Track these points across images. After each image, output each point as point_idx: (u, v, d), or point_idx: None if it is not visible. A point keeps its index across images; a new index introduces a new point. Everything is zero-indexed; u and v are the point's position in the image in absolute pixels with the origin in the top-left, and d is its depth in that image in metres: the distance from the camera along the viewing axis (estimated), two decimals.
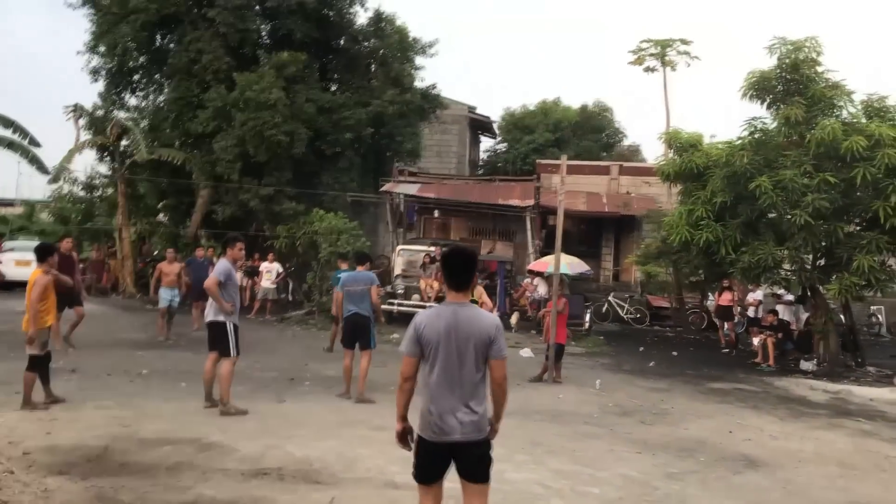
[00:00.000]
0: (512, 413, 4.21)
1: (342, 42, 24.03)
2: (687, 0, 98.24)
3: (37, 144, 22.93)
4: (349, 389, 10.17)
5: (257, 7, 22.69)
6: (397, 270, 20.79)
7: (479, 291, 11.75)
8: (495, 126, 38.74)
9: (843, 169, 14.05)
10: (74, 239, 22.64)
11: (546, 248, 23.89)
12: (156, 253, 23.50)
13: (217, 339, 8.93)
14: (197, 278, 15.26)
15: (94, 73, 22.88)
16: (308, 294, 20.81)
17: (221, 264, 9.12)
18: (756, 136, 15.34)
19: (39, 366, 8.71)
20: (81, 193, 26.18)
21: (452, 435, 4.16)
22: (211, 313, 8.97)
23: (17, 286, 22.26)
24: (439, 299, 19.19)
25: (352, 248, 19.38)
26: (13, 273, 22.86)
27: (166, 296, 14.91)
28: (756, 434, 9.55)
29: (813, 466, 8.15)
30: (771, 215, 14.75)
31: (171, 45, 22.91)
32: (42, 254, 8.98)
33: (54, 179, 23.62)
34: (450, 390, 4.19)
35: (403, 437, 4.41)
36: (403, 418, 4.38)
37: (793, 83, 14.92)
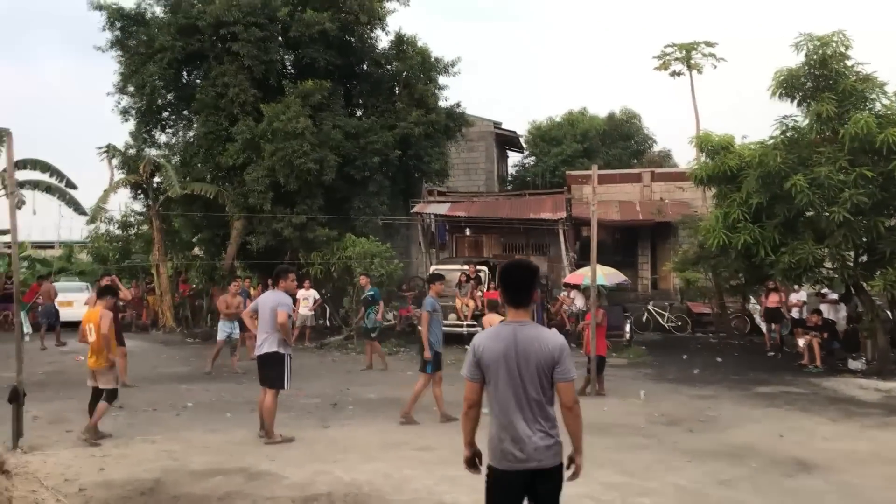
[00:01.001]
0: (582, 418, 4.05)
1: (365, 67, 24.22)
2: (709, 3, 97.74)
3: (73, 187, 23.45)
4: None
5: (280, 38, 22.96)
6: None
7: (488, 321, 11.28)
8: (522, 140, 38.72)
9: (879, 162, 13.78)
10: (113, 277, 23.06)
11: (581, 260, 23.76)
12: (193, 286, 23.79)
13: (274, 370, 8.81)
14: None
15: (125, 112, 23.30)
16: (345, 319, 20.90)
17: (282, 297, 8.90)
18: (788, 134, 15.11)
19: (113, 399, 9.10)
20: (118, 232, 26.63)
21: (528, 463, 3.89)
22: (266, 345, 8.80)
23: (62, 326, 22.70)
24: (475, 318, 19.16)
25: (386, 272, 19.48)
26: None
27: (226, 328, 15.00)
28: (807, 437, 9.37)
29: (868, 467, 7.96)
30: (808, 214, 14.49)
31: (198, 81, 23.26)
32: (103, 293, 9.62)
33: (91, 220, 24.08)
34: (520, 415, 3.92)
35: (472, 461, 4.19)
36: (471, 444, 4.14)
37: (822, 79, 14.68)
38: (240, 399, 11.60)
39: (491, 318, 10.56)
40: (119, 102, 23.24)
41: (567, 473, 4.10)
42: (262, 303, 9.06)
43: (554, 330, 4.20)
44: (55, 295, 20.74)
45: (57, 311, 20.49)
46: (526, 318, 4.09)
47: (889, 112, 14.28)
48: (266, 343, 8.83)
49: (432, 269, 21.68)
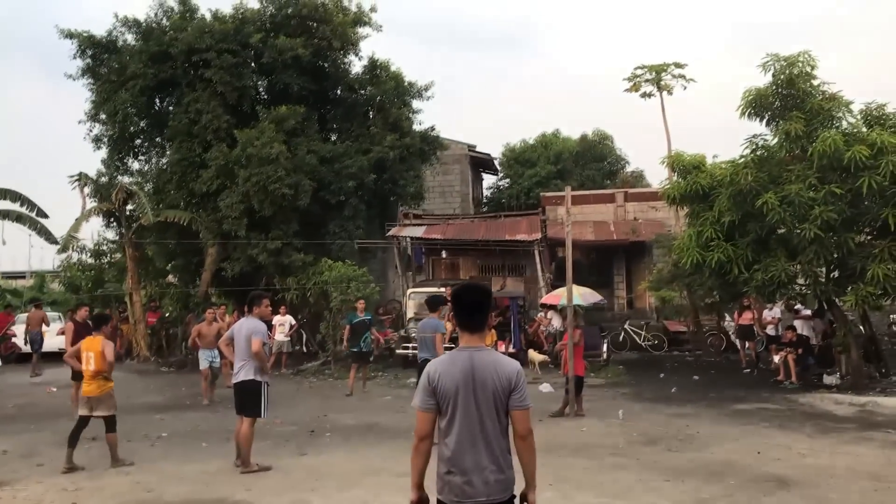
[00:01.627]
0: (536, 449, 3.88)
1: (339, 92, 24.28)
2: (678, 26, 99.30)
3: (44, 216, 23.13)
4: None
5: (253, 64, 22.98)
6: (409, 314, 20.71)
7: (491, 336, 11.38)
8: (496, 162, 38.90)
9: (847, 179, 13.98)
10: (87, 306, 22.76)
11: (557, 281, 23.81)
12: (167, 315, 23.53)
13: (250, 398, 8.68)
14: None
15: (97, 140, 23.14)
16: (322, 344, 20.76)
17: (256, 324, 8.75)
18: (758, 153, 15.31)
19: (115, 424, 9.16)
20: (90, 261, 26.33)
21: (478, 497, 3.71)
22: (243, 373, 8.67)
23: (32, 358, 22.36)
24: (453, 340, 19.08)
25: (362, 295, 19.36)
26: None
27: (207, 357, 14.79)
28: (785, 453, 9.41)
29: (846, 482, 8.00)
30: (780, 231, 14.66)
31: (171, 108, 23.17)
32: (99, 322, 9.69)
33: (63, 249, 23.76)
34: (472, 447, 3.72)
35: None
36: (419, 486, 3.91)
37: (790, 98, 14.93)
38: (215, 428, 11.44)
39: None
40: (91, 130, 23.16)
41: None
42: (237, 330, 8.94)
43: (509, 358, 3.98)
44: (43, 322, 20.63)
45: (41, 338, 20.30)
46: (481, 343, 3.91)
47: (855, 130, 14.55)
48: (242, 371, 8.71)
49: (410, 292, 21.63)
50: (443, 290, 20.57)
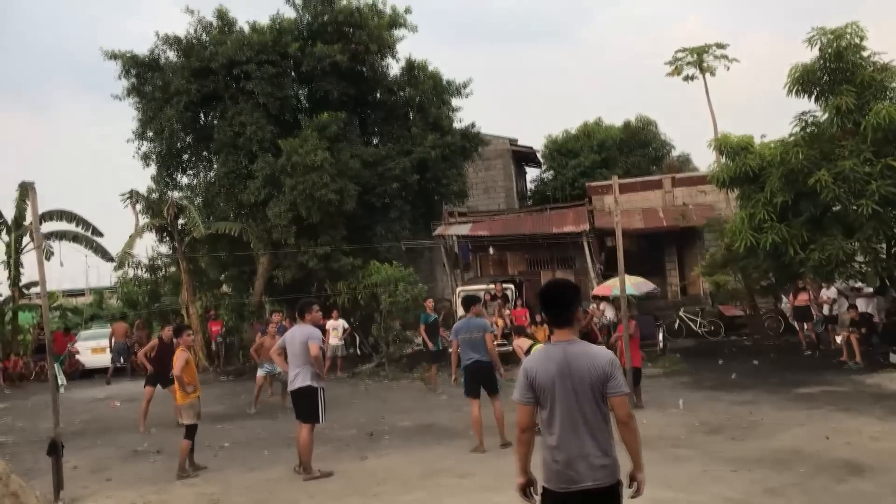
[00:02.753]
0: (639, 431, 4.05)
1: (378, 95, 24.39)
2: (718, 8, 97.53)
3: (99, 234, 23.76)
4: (483, 442, 9.62)
5: (292, 73, 23.21)
6: (460, 312, 20.66)
7: (544, 331, 11.18)
8: (539, 155, 38.65)
9: None
10: (144, 320, 23.28)
11: (608, 271, 23.58)
12: (224, 325, 23.89)
13: (309, 405, 8.78)
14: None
15: (145, 158, 23.62)
16: (375, 346, 20.88)
17: (311, 330, 8.94)
18: (808, 130, 14.96)
19: (193, 435, 9.41)
20: (146, 276, 26.87)
21: (584, 482, 3.86)
22: (299, 379, 8.76)
23: (96, 373, 22.97)
24: (505, 336, 19.04)
25: (411, 296, 19.41)
26: (91, 361, 23.56)
27: (266, 366, 14.88)
28: (855, 437, 9.15)
29: None
30: (835, 209, 14.30)
31: (215, 122, 23.50)
32: (179, 331, 10.35)
33: (119, 265, 24.34)
34: (575, 435, 3.90)
35: (526, 489, 4.12)
36: (525, 471, 4.11)
37: (838, 72, 14.53)
38: (276, 436, 11.57)
39: (521, 342, 10.46)
40: (139, 148, 23.62)
41: (629, 491, 4.06)
42: (290, 338, 9.03)
43: (600, 347, 4.15)
44: (126, 334, 22.52)
45: (127, 349, 22.05)
46: (572, 336, 4.08)
47: None
48: (299, 377, 8.79)
49: (459, 290, 21.62)
50: (492, 286, 20.54)
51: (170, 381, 12.14)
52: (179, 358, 9.55)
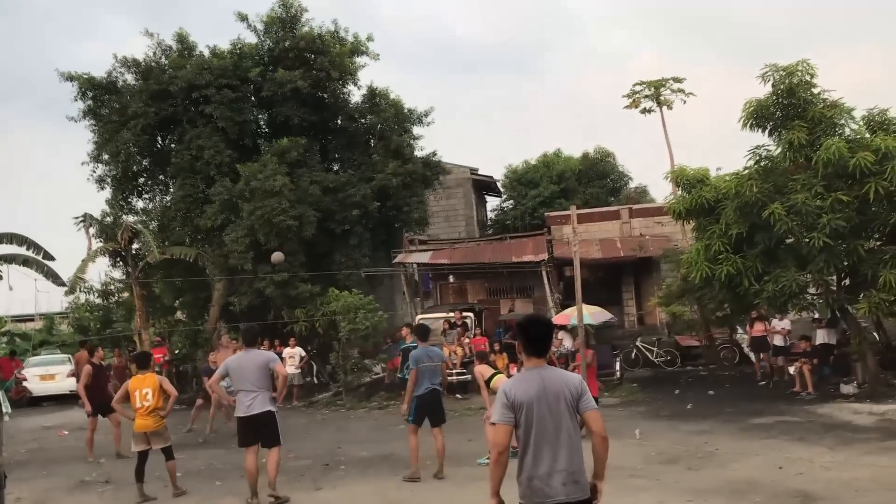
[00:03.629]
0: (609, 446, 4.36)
1: (339, 121, 24.35)
2: (674, 44, 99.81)
3: (51, 258, 23.12)
4: (419, 469, 9.63)
5: (252, 98, 23.09)
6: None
7: (480, 371, 11.00)
8: (499, 184, 38.92)
9: (854, 186, 13.90)
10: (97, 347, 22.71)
11: (566, 301, 23.68)
12: (177, 352, 23.43)
13: (270, 429, 8.68)
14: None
15: (100, 181, 23.21)
16: (333, 375, 20.63)
17: (268, 354, 9.25)
18: (762, 164, 15.25)
19: (173, 454, 9.82)
20: (98, 301, 26.29)
21: (557, 497, 4.11)
22: (258, 404, 8.60)
23: (45, 400, 22.33)
24: (464, 364, 18.98)
25: (370, 324, 19.26)
26: (39, 388, 22.91)
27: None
28: (807, 467, 9.26)
29: (872, 495, 7.85)
30: (789, 241, 14.57)
31: (173, 145, 23.23)
32: (145, 360, 10.69)
33: (70, 290, 23.72)
34: (550, 452, 4.16)
35: None
36: (497, 493, 4.30)
37: (791, 108, 14.88)
38: (229, 465, 11.32)
39: (482, 370, 10.40)
40: (94, 171, 23.18)
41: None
42: (238, 364, 8.82)
43: (570, 372, 4.51)
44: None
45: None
46: (544, 364, 4.44)
47: (858, 136, 14.49)
48: (257, 402, 8.60)
49: (418, 318, 21.53)
50: (451, 314, 20.49)
51: (110, 410, 11.95)
52: (165, 380, 10.04)
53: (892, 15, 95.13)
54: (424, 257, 25.68)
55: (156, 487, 9.99)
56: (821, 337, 16.90)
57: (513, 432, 4.24)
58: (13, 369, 22.98)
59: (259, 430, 8.69)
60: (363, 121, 24.30)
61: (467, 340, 19.60)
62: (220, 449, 13.12)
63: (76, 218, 22.77)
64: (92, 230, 22.98)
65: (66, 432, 16.34)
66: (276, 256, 19.78)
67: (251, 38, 23.26)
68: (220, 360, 15.00)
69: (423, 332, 10.54)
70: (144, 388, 9.58)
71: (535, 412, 4.19)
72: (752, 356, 19.53)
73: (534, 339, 4.44)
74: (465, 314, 20.67)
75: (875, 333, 16.59)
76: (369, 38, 23.78)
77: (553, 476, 4.11)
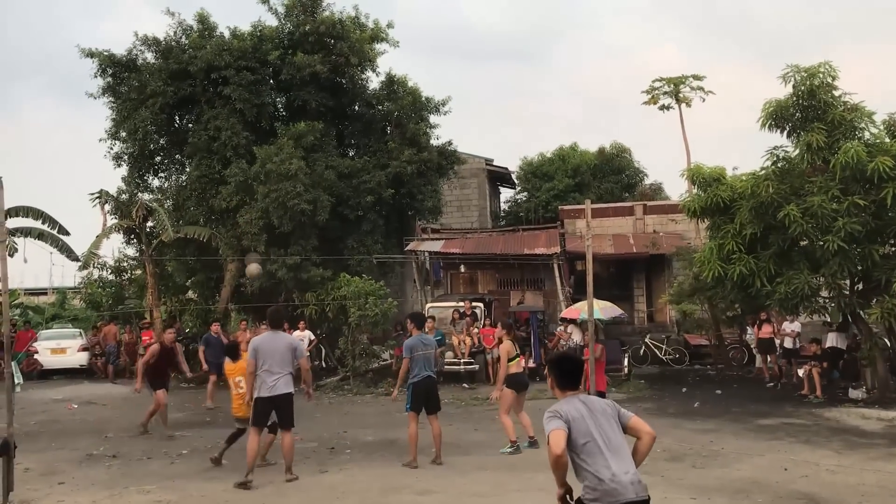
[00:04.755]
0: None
1: (357, 107, 24.37)
2: (697, 39, 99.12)
3: (66, 233, 23.31)
4: (417, 457, 9.75)
5: (271, 81, 23.10)
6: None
7: (507, 347, 11.26)
8: (514, 176, 38.86)
9: (871, 191, 13.85)
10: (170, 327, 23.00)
11: (577, 295, 23.68)
12: (188, 331, 23.57)
13: (287, 411, 8.95)
14: (213, 354, 16.41)
15: (117, 158, 23.29)
16: (341, 359, 20.71)
17: (292, 338, 9.46)
18: (779, 164, 15.19)
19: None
20: (111, 277, 26.44)
21: (628, 495, 4.28)
22: (282, 385, 8.82)
23: (55, 374, 22.54)
24: (472, 355, 19.03)
25: (380, 311, 19.28)
26: (49, 362, 23.11)
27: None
28: (812, 469, 9.25)
29: (878, 500, 7.85)
30: (803, 243, 14.52)
31: (190, 125, 23.31)
32: (234, 350, 10.74)
33: (84, 266, 23.92)
34: (613, 456, 4.36)
35: (564, 498, 4.52)
36: (564, 483, 4.48)
37: (811, 109, 14.79)
38: (236, 445, 11.40)
39: (508, 347, 10.93)
40: (111, 148, 23.25)
41: None
42: (267, 345, 8.95)
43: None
44: (116, 336, 23.23)
45: (117, 350, 22.68)
46: (579, 393, 4.77)
47: (878, 141, 14.40)
48: (281, 383, 8.86)
49: (428, 306, 21.57)
50: (461, 304, 20.52)
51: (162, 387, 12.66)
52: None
53: None
54: (436, 246, 25.69)
55: (163, 463, 10.08)
56: (831, 340, 16.84)
57: (564, 437, 4.36)
58: (27, 340, 23.21)
59: (277, 411, 8.94)
60: (380, 108, 24.29)
61: (476, 331, 19.63)
62: (228, 428, 13.17)
63: (92, 194, 22.89)
64: (107, 207, 23.08)
65: (76, 406, 16.50)
66: (253, 269, 20.04)
67: (272, 21, 23.26)
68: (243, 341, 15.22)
69: (419, 320, 10.61)
70: (237, 377, 9.93)
71: (590, 424, 4.43)
72: (760, 357, 19.49)
73: (565, 373, 4.76)
74: (474, 304, 20.68)
75: (886, 339, 16.49)
76: (389, 25, 23.77)
77: (621, 476, 4.30)
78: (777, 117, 15.04)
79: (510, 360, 10.86)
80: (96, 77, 22.89)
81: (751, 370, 20.30)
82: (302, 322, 20.09)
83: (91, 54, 22.51)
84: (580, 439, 4.40)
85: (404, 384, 10.18)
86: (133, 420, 13.64)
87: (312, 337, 20.10)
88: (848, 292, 15.01)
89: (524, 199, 38.86)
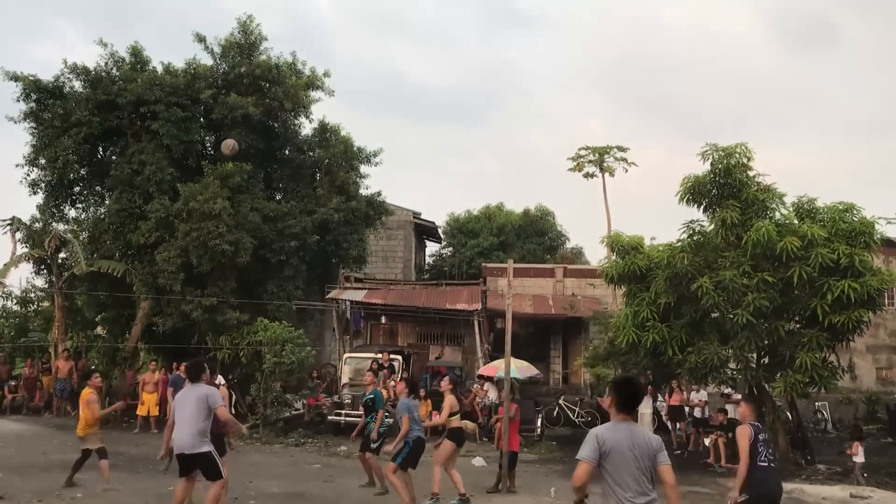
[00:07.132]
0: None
1: (287, 152, 24.31)
2: (619, 113, 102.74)
3: None
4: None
5: (202, 119, 22.88)
6: (344, 379, 20.31)
7: (451, 401, 11.31)
8: (440, 231, 39.19)
9: (779, 268, 14.44)
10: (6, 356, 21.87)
11: (495, 352, 23.77)
12: (93, 368, 22.64)
13: (214, 467, 8.17)
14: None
15: (33, 185, 22.50)
16: (252, 406, 20.18)
17: (210, 390, 8.26)
18: (695, 238, 15.75)
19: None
20: (16, 308, 25.35)
21: None
22: (196, 444, 8.01)
23: None
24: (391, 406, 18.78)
25: (297, 358, 18.93)
26: None
27: None
28: None
29: None
30: (714, 315, 15.00)
31: (114, 157, 22.79)
32: (87, 376, 11.66)
33: None
34: (636, 489, 4.81)
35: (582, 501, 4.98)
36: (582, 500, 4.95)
37: (727, 187, 15.45)
38: (131, 489, 10.95)
39: (453, 402, 11.16)
40: (28, 175, 22.46)
41: None
42: (182, 398, 8.31)
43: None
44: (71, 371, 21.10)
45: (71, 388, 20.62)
46: (633, 420, 5.13)
47: (787, 221, 15.11)
48: (195, 442, 8.06)
49: (346, 356, 21.31)
50: (380, 355, 20.33)
51: None
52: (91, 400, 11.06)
53: (828, 101, 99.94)
54: (358, 295, 25.54)
55: None
56: (731, 411, 17.30)
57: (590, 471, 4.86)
58: None
59: (199, 467, 8.24)
60: (311, 154, 24.31)
61: (392, 384, 19.43)
62: (124, 473, 12.66)
63: (3, 220, 22.09)
64: (18, 234, 22.28)
65: None
66: (229, 142, 19.10)
67: (207, 60, 23.18)
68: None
69: (412, 385, 11.29)
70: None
71: (626, 456, 4.84)
72: (669, 425, 19.85)
73: (627, 397, 5.11)
74: (392, 357, 20.52)
75: (788, 412, 17.05)
76: (326, 74, 23.97)
77: (639, 497, 4.76)
78: (695, 192, 15.66)
79: (451, 414, 10.92)
80: (19, 101, 22.24)
81: (660, 437, 20.60)
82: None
83: (15, 77, 21.89)
84: (613, 468, 4.82)
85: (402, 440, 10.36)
86: (28, 459, 12.96)
87: (223, 381, 19.55)
88: (754, 365, 15.51)
89: (449, 253, 39.17)
